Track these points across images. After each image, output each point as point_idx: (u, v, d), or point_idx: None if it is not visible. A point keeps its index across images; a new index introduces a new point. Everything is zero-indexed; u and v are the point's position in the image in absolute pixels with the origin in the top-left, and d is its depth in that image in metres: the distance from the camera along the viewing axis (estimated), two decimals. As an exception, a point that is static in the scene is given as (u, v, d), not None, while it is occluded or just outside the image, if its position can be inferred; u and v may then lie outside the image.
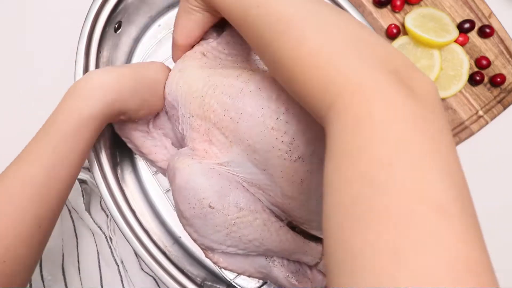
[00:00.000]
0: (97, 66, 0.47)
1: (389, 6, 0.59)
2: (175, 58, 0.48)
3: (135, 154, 0.54)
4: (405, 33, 0.58)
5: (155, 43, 0.56)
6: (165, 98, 0.48)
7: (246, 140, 0.41)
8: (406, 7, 0.59)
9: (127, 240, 0.45)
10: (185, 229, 0.46)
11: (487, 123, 0.58)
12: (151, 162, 0.50)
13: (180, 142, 0.49)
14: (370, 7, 0.59)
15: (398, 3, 0.58)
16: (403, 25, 0.58)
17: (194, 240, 0.46)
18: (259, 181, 0.43)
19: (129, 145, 0.50)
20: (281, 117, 0.39)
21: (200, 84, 0.43)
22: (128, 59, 0.56)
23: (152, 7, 0.55)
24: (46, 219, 0.38)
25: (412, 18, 0.57)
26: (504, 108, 0.58)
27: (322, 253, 0.47)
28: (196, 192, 0.42)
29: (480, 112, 0.58)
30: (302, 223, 0.45)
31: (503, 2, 0.61)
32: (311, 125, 0.39)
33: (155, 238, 0.47)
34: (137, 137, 0.49)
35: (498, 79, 0.57)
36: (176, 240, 0.49)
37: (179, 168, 0.43)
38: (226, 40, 0.51)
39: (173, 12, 0.57)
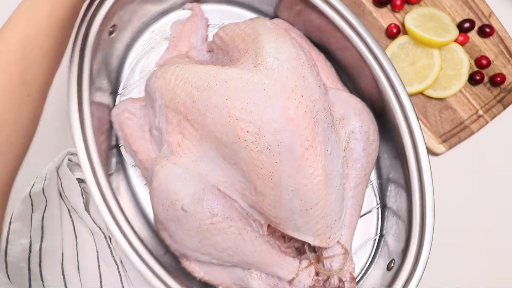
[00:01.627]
0: (91, 69, 0.45)
1: (389, 6, 0.58)
2: None
3: (128, 161, 0.53)
4: (405, 32, 0.57)
5: (148, 49, 0.55)
6: (145, 90, 0.49)
7: (213, 132, 0.41)
8: (406, 6, 0.58)
9: (121, 248, 0.43)
10: (160, 234, 0.46)
11: (487, 122, 0.56)
12: (133, 153, 0.50)
13: (160, 140, 0.48)
14: (370, 6, 0.58)
15: (398, 2, 0.56)
16: (403, 24, 0.57)
17: (169, 246, 0.45)
18: (233, 178, 0.43)
19: (118, 133, 0.50)
20: (245, 107, 0.39)
21: (173, 77, 0.44)
22: (121, 64, 0.54)
23: (146, 13, 0.53)
24: (34, 88, 0.36)
25: (412, 18, 0.56)
26: (504, 108, 0.57)
27: (298, 268, 0.46)
28: (169, 194, 0.42)
29: (480, 112, 0.57)
30: (278, 224, 0.44)
31: (503, 2, 0.60)
32: (277, 115, 0.39)
33: (148, 246, 0.45)
34: (129, 125, 0.49)
35: (498, 79, 0.56)
36: (168, 250, 0.47)
37: (156, 171, 0.43)
38: (209, 46, 0.52)
39: (167, 18, 0.56)
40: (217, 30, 0.50)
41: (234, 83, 0.40)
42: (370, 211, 0.53)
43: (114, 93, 0.54)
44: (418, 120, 0.47)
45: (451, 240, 0.55)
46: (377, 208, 0.54)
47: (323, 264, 0.47)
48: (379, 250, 0.52)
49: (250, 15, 0.57)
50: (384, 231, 0.53)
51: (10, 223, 0.50)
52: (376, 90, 0.49)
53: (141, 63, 0.55)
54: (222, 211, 0.42)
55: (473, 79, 0.57)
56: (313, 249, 0.48)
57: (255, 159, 0.40)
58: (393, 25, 0.57)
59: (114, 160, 0.52)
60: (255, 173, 0.41)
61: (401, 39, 0.57)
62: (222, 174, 0.43)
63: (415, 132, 0.47)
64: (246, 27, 0.46)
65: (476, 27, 0.58)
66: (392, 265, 0.48)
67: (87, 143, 0.44)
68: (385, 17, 0.58)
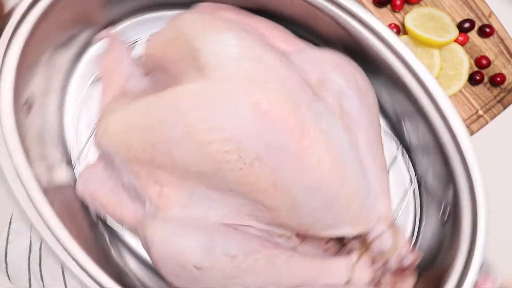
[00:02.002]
0: (26, 155, 0.36)
1: (389, 6, 0.57)
2: None
3: (118, 226, 0.46)
4: (405, 32, 0.56)
5: (83, 100, 0.46)
6: (98, 150, 0.43)
7: (189, 168, 0.35)
8: (406, 6, 0.57)
9: None
10: None
11: (487, 122, 0.56)
12: (119, 221, 0.43)
13: (138, 195, 0.41)
14: (370, 6, 0.57)
15: (398, 2, 0.56)
16: (403, 24, 0.56)
17: None
18: (235, 205, 0.37)
19: (95, 203, 0.43)
20: (211, 125, 0.33)
21: (117, 128, 0.38)
22: (61, 130, 0.46)
23: (61, 62, 0.45)
24: None
25: (412, 18, 0.55)
26: (504, 108, 0.56)
27: (349, 267, 0.39)
28: (175, 258, 0.35)
29: (480, 112, 0.57)
30: (307, 230, 0.38)
31: (503, 2, 0.59)
32: (250, 116, 0.33)
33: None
34: (102, 195, 0.42)
35: (498, 79, 0.56)
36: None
37: (149, 238, 0.36)
38: (145, 67, 0.45)
39: (87, 58, 0.47)
40: (145, 47, 0.43)
41: (186, 104, 0.34)
42: (394, 160, 0.46)
43: (69, 162, 0.46)
44: (399, 39, 0.40)
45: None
46: (400, 151, 0.46)
47: (373, 249, 0.40)
48: (424, 200, 0.45)
49: (172, 13, 0.47)
50: (420, 174, 0.45)
51: (10, 223, 0.50)
52: (341, 29, 0.41)
53: (83, 119, 0.46)
54: (240, 248, 0.36)
55: (473, 79, 0.57)
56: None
57: (249, 177, 0.34)
58: (393, 25, 0.57)
59: (105, 232, 0.45)
60: (257, 191, 0.35)
61: (401, 39, 0.56)
62: (221, 207, 0.37)
63: (403, 53, 0.39)
64: (170, 32, 0.40)
65: (476, 27, 0.57)
66: (447, 214, 0.40)
67: (59, 238, 0.36)
68: (385, 17, 0.58)
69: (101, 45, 0.47)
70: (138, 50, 0.47)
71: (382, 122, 0.47)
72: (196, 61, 0.35)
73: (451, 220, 0.39)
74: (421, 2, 0.58)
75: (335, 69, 0.40)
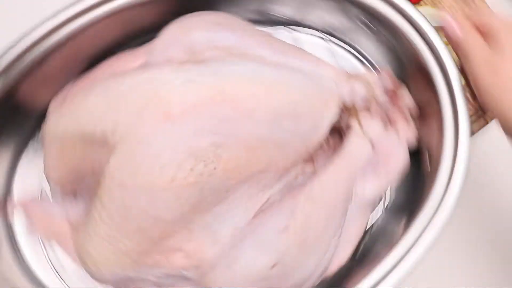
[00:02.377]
0: None
1: None
2: None
3: None
4: None
5: (49, 261, 0.42)
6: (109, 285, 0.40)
7: (183, 212, 0.33)
8: None
9: None
10: None
11: (487, 123, 0.55)
12: None
13: (175, 279, 0.38)
14: None
15: None
16: None
17: None
18: (245, 196, 0.36)
19: None
20: (158, 166, 0.32)
21: (102, 251, 0.35)
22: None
23: (5, 253, 0.41)
24: None
25: None
26: (504, 108, 0.58)
27: (360, 135, 0.39)
28: (252, 280, 0.34)
29: (480, 112, 0.57)
30: (307, 150, 0.38)
31: (503, 2, 0.61)
32: (178, 130, 0.32)
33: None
34: None
35: None
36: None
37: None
38: (71, 191, 0.41)
39: (20, 238, 0.43)
40: (48, 179, 0.42)
41: (126, 177, 0.32)
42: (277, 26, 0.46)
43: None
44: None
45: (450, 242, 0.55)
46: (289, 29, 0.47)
47: (360, 105, 0.41)
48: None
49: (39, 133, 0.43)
50: (322, 26, 0.45)
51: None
52: (157, 9, 0.40)
53: (66, 275, 0.42)
54: (282, 217, 0.35)
55: (473, 79, 0.57)
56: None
57: (226, 166, 0.33)
58: (393, 25, 0.57)
59: None
60: (244, 168, 0.34)
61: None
62: (236, 210, 0.36)
63: None
64: (51, 147, 0.38)
65: (476, 27, 0.58)
66: (370, 23, 0.41)
67: None
68: (384, 18, 0.58)
69: (19, 217, 0.43)
70: (47, 186, 0.44)
71: (268, 29, 0.47)
72: (96, 141, 0.34)
73: (377, 24, 0.40)
74: (421, 2, 0.58)
75: (187, 33, 0.39)
